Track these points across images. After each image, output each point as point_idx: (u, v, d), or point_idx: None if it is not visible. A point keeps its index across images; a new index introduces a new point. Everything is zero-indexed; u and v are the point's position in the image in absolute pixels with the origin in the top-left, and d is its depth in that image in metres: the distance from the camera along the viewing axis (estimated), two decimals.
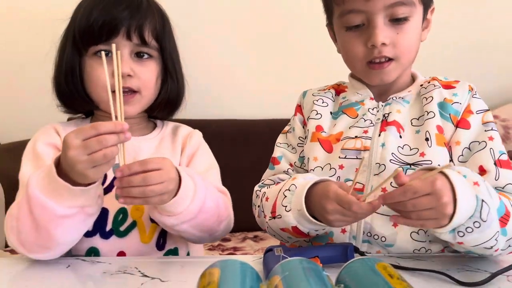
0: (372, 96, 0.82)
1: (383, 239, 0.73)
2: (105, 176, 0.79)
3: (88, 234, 0.79)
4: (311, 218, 0.68)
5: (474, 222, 0.59)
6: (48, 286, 0.64)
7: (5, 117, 1.78)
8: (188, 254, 0.88)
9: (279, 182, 0.81)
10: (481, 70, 1.72)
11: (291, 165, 0.85)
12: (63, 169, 0.65)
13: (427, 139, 0.74)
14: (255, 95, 1.83)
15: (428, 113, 0.76)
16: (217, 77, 1.78)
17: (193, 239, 0.82)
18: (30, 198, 0.67)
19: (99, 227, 0.81)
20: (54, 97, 0.87)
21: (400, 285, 0.42)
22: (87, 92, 0.85)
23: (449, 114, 0.76)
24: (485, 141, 0.73)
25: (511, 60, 1.79)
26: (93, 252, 0.81)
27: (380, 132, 0.77)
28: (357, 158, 0.77)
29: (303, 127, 0.86)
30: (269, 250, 0.67)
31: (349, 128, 0.80)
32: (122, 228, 0.81)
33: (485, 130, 0.75)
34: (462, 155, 0.74)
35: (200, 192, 0.74)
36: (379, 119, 0.79)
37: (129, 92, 0.83)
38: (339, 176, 0.77)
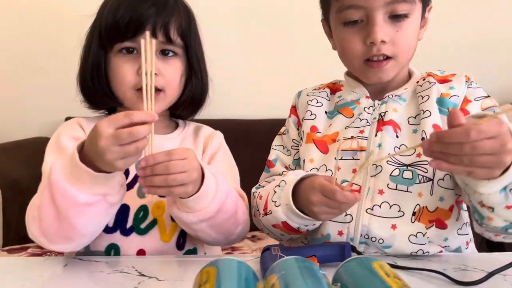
0: (368, 95, 0.81)
1: (380, 241, 0.72)
2: (127, 172, 0.78)
3: (109, 231, 0.79)
4: (298, 211, 0.68)
5: None
6: (45, 285, 0.64)
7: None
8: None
9: None
10: (481, 70, 1.71)
11: (286, 167, 0.85)
12: (87, 157, 0.65)
13: (423, 139, 0.73)
14: (255, 95, 1.83)
15: (424, 112, 0.75)
16: (217, 77, 1.78)
17: (209, 241, 0.80)
18: (52, 186, 0.66)
19: (120, 224, 0.80)
20: (78, 93, 0.87)
21: (396, 284, 0.41)
22: (112, 89, 0.84)
23: (448, 108, 0.75)
24: None
25: (511, 60, 1.79)
26: (113, 248, 0.80)
27: (377, 132, 0.76)
28: (353, 159, 0.76)
29: (298, 129, 0.86)
30: (266, 249, 0.67)
31: (345, 129, 0.79)
32: (142, 226, 0.81)
33: None
34: None
35: (221, 192, 0.74)
36: (375, 118, 0.78)
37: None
38: (336, 178, 0.76)
